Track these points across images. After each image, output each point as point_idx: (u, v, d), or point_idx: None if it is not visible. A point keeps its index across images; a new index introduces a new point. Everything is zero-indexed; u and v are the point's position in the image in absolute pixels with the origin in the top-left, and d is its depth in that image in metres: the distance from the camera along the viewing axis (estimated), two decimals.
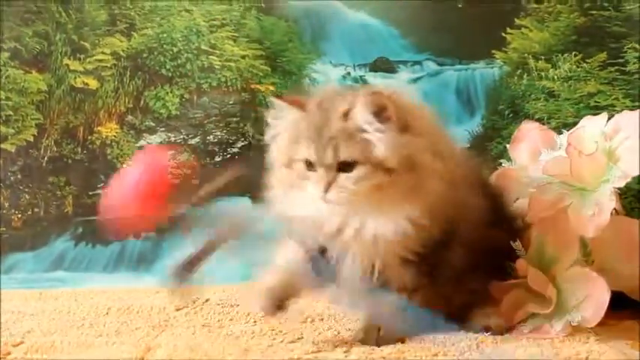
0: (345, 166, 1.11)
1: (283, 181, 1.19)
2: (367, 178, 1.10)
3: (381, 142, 1.10)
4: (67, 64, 1.76)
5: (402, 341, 1.13)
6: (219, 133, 1.77)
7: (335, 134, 1.11)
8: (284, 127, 1.19)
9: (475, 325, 1.17)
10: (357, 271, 1.15)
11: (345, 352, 1.10)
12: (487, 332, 1.15)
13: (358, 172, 1.10)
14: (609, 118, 1.31)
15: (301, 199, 1.16)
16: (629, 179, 1.22)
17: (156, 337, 1.24)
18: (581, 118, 1.41)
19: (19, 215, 1.75)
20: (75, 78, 1.77)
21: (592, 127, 1.31)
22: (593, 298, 1.16)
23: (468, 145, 1.70)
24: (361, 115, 1.11)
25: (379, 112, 1.10)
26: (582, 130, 1.32)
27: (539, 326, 1.18)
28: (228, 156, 1.76)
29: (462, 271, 1.18)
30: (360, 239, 1.13)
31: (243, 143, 1.76)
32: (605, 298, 1.15)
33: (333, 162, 1.11)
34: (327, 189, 1.10)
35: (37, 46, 1.76)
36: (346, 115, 1.12)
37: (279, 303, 1.18)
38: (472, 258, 1.18)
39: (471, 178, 1.23)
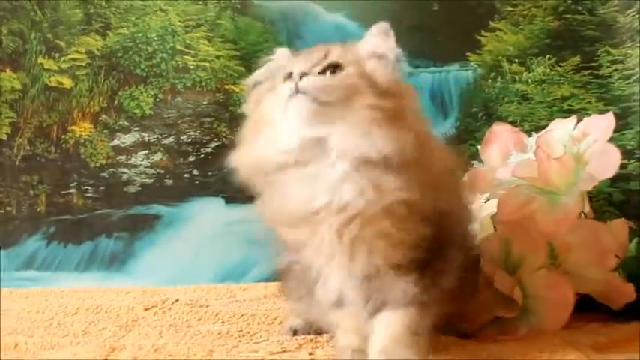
0: (330, 70, 1.00)
1: (255, 122, 1.06)
2: (351, 79, 0.99)
3: (380, 59, 1.03)
4: (42, 63, 1.76)
5: None
6: (192, 133, 1.76)
7: (328, 46, 1.04)
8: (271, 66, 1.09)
9: None
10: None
11: (309, 353, 1.10)
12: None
13: (342, 73, 1.00)
14: (578, 122, 1.31)
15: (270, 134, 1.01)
16: (596, 183, 1.22)
17: (122, 337, 1.23)
18: None
19: None
20: (49, 77, 1.76)
21: (561, 130, 1.31)
22: (558, 300, 1.16)
23: None
24: (369, 40, 1.06)
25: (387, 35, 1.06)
26: (551, 133, 1.32)
27: (505, 328, 1.18)
28: (202, 156, 1.76)
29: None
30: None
31: (216, 144, 1.75)
32: (570, 301, 1.16)
33: (319, 61, 1.01)
34: (301, 77, 0.97)
35: (12, 45, 1.76)
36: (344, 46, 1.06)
37: None
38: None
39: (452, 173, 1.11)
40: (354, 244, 0.98)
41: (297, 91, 0.97)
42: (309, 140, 0.97)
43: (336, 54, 1.02)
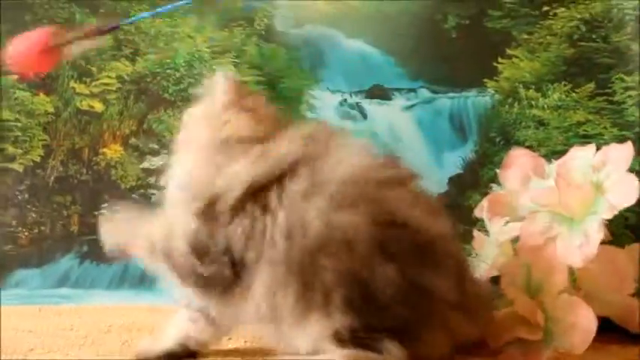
0: None
1: None
2: None
3: None
4: (74, 87, 1.80)
5: None
6: None
7: None
8: None
9: None
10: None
11: None
12: None
13: None
14: (597, 149, 1.35)
15: None
16: (616, 212, 1.26)
17: None
18: (570, 146, 1.45)
19: (26, 233, 1.78)
20: (81, 101, 1.80)
21: (580, 158, 1.35)
22: (580, 325, 1.19)
23: (461, 171, 1.74)
24: None
25: None
26: (571, 161, 1.36)
27: (528, 350, 1.22)
28: None
29: None
30: None
31: None
32: (593, 325, 1.18)
33: None
34: None
35: None
36: None
37: None
38: None
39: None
40: None
41: None
42: None
43: None
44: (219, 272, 1.09)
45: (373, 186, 1.05)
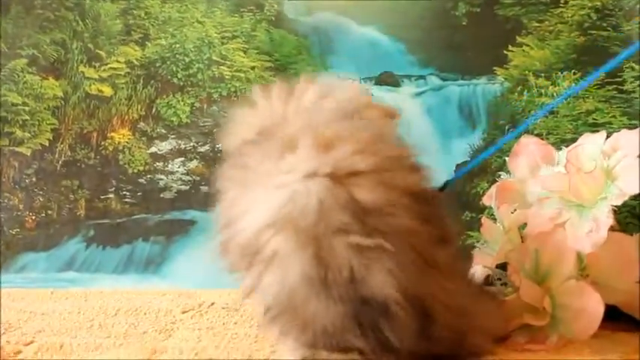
0: None
1: None
2: None
3: None
4: (83, 72, 1.81)
5: None
6: None
7: None
8: None
9: None
10: None
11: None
12: None
13: None
14: (607, 137, 1.34)
15: None
16: (626, 197, 1.25)
17: (163, 341, 1.27)
18: (580, 135, 1.44)
19: (33, 217, 1.79)
20: (90, 85, 1.81)
21: (591, 145, 1.34)
22: (587, 311, 1.18)
23: (469, 158, 1.73)
24: None
25: None
26: (581, 147, 1.34)
27: (534, 336, 1.21)
28: None
29: None
30: None
31: None
32: (599, 311, 1.17)
33: None
34: None
35: (54, 54, 1.81)
36: None
37: None
38: None
39: None
40: None
41: None
42: None
43: None
44: None
45: None
